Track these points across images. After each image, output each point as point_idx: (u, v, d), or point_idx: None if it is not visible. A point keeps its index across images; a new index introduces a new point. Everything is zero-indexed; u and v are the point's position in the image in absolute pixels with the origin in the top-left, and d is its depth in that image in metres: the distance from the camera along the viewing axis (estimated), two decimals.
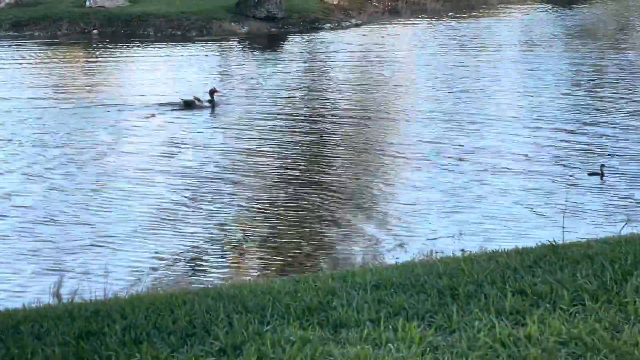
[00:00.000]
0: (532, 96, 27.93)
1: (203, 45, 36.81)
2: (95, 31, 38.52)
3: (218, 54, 36.31)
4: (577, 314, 6.30)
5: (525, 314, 6.37)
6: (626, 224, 14.52)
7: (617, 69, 32.24)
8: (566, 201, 17.07)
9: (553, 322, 6.12)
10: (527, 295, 6.73)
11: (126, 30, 38.31)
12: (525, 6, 46.17)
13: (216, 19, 38.85)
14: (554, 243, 8.50)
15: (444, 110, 26.71)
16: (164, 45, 37.02)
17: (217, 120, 25.69)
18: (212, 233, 16.34)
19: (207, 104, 26.52)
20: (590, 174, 19.03)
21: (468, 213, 16.97)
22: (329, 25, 40.43)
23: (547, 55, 34.32)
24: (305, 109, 27.05)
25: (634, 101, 27.17)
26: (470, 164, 20.62)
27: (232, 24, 38.81)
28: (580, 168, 19.83)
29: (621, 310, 6.31)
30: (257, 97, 27.99)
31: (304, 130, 24.47)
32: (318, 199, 18.20)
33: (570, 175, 19.32)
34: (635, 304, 6.34)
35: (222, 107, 26.43)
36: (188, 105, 26.39)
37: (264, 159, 21.52)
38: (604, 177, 18.82)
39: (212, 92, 26.58)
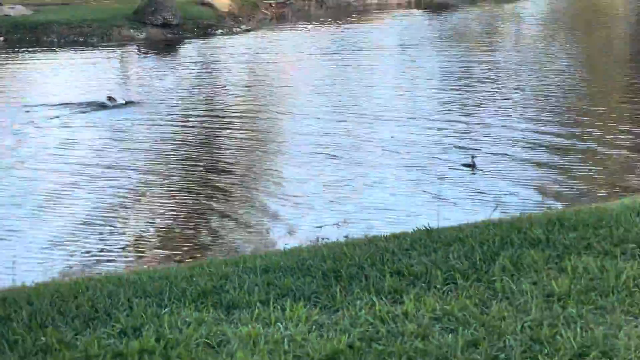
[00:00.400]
0: (407, 94, 28.37)
1: (101, 51, 36.77)
2: (1, 38, 38.16)
3: (118, 58, 36.39)
4: (449, 292, 6.62)
5: (403, 292, 6.66)
6: (495, 209, 15.10)
7: (484, 68, 32.83)
8: (439, 190, 17.64)
9: (428, 299, 6.45)
10: (404, 275, 7.03)
11: (31, 37, 38.07)
12: (400, 12, 46.70)
13: (116, 26, 39.24)
14: (428, 228, 8.83)
15: (326, 109, 26.91)
16: (68, 51, 36.89)
17: (123, 120, 25.70)
18: (114, 225, 16.48)
19: (122, 103, 26.54)
20: (463, 165, 19.52)
21: (350, 204, 17.30)
22: (220, 31, 41.10)
23: (421, 56, 34.84)
24: (200, 109, 27.13)
25: (502, 98, 27.87)
26: (347, 158, 20.97)
27: (131, 30, 39.31)
28: (453, 160, 20.29)
29: (489, 287, 6.67)
30: (158, 97, 27.98)
31: (198, 128, 24.53)
32: (212, 194, 18.42)
33: (444, 167, 19.79)
34: (502, 281, 6.70)
35: (129, 108, 26.57)
36: (104, 105, 26.37)
37: (163, 157, 21.68)
38: (474, 168, 19.32)
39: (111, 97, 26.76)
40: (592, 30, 42.34)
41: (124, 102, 26.59)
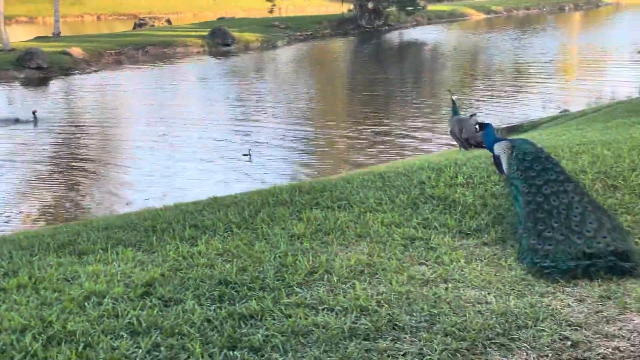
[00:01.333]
0: (207, 110, 28.49)
1: None
2: None
3: (8, 91, 35.37)
4: (228, 237, 6.66)
5: (197, 239, 6.67)
6: (263, 183, 15.26)
7: (254, 92, 33.18)
8: (226, 172, 17.72)
9: (214, 242, 6.47)
10: (199, 227, 7.03)
11: None
12: (198, 57, 46.58)
13: (4, 69, 38.65)
14: (215, 196, 8.95)
15: (153, 119, 26.93)
16: None
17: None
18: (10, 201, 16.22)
19: (31, 119, 26.17)
20: (244, 155, 19.70)
21: (167, 184, 17.29)
22: (77, 71, 40.63)
23: (214, 86, 34.88)
24: (71, 122, 26.99)
25: (269, 111, 28.14)
26: (168, 154, 20.90)
27: (14, 72, 38.57)
28: (236, 152, 20.48)
29: (254, 232, 6.72)
30: (44, 115, 27.31)
31: (72, 135, 24.37)
32: (78, 180, 18.17)
33: (231, 157, 19.95)
34: (262, 228, 6.79)
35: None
36: (17, 120, 26.14)
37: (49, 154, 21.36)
38: (250, 157, 19.55)
39: (33, 112, 26.50)
40: (324, 65, 43.09)
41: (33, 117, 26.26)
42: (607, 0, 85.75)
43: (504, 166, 6.77)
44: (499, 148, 6.92)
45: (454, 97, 12.41)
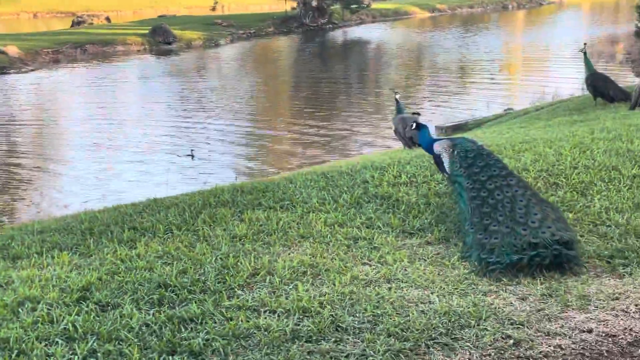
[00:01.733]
0: (149, 110, 28.18)
1: None
2: None
3: None
4: (168, 239, 6.62)
5: (136, 241, 6.59)
6: (204, 183, 15.19)
7: (195, 91, 32.98)
8: (169, 172, 17.57)
9: (153, 244, 6.41)
10: (138, 229, 6.96)
11: None
12: (139, 56, 46.12)
13: None
14: (155, 198, 8.86)
15: (90, 117, 26.59)
16: None
17: None
18: None
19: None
20: (188, 155, 19.58)
21: (106, 186, 17.06)
22: (13, 70, 39.93)
23: (159, 86, 34.56)
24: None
25: (212, 110, 27.99)
26: (108, 155, 20.64)
27: None
28: (178, 152, 20.31)
29: (195, 234, 6.68)
30: None
31: (3, 141, 23.91)
32: (14, 177, 17.93)
33: (174, 156, 19.80)
34: (203, 230, 6.75)
35: None
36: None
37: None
38: (194, 157, 19.44)
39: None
40: (267, 64, 43.01)
41: None
42: None
43: (446, 165, 6.85)
44: (439, 147, 7.00)
45: (398, 96, 12.50)
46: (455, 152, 6.76)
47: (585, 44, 15.88)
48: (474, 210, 6.11)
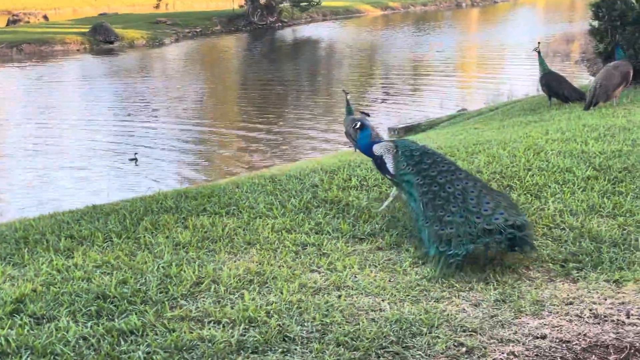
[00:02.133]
0: (90, 111, 27.89)
1: None
2: None
3: None
4: (108, 247, 6.56)
5: (74, 250, 6.51)
6: (148, 188, 15.05)
7: (139, 92, 32.75)
8: (110, 177, 17.39)
9: (92, 253, 6.33)
10: (75, 238, 6.86)
11: None
12: (78, 56, 45.56)
13: None
14: (95, 204, 8.74)
15: (29, 118, 26.27)
16: None
17: None
18: None
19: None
20: (130, 160, 19.39)
21: (43, 193, 16.80)
22: None
23: (99, 87, 34.17)
24: None
25: (157, 112, 27.80)
26: (48, 161, 20.37)
27: None
28: (121, 156, 20.14)
29: (136, 242, 6.63)
30: None
31: None
32: None
33: (115, 160, 19.60)
34: (145, 237, 6.68)
35: None
36: None
37: None
38: (137, 162, 19.27)
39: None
40: (214, 64, 42.85)
41: None
42: None
43: (390, 166, 6.93)
44: (380, 149, 7.08)
45: (349, 97, 12.53)
46: (400, 152, 6.90)
47: (539, 43, 16.11)
48: (427, 205, 6.27)
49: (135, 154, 19.70)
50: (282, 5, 61.52)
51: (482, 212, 6.03)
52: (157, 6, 61.30)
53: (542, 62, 15.63)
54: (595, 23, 17.53)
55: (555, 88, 15.43)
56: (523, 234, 5.90)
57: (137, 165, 19.01)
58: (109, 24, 50.93)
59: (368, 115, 8.70)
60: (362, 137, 7.44)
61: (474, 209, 6.08)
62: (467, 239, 5.86)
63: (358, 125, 7.57)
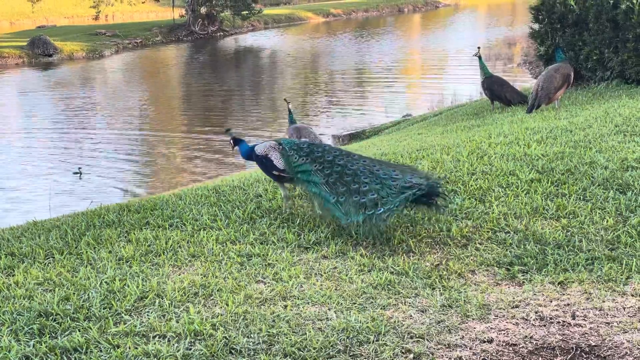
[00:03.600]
0: (28, 127, 27.53)
1: None
2: None
3: None
4: (49, 264, 6.44)
5: (15, 268, 6.41)
6: (91, 202, 14.89)
7: (80, 104, 32.44)
8: (55, 191, 17.14)
9: (33, 271, 6.21)
10: (16, 255, 6.75)
11: None
12: (17, 69, 44.88)
13: None
14: (35, 220, 8.64)
15: None
16: None
17: None
18: None
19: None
20: (74, 173, 19.23)
21: None
22: None
23: (38, 101, 33.74)
24: None
25: (103, 122, 27.52)
26: None
27: None
28: (62, 171, 19.91)
29: (78, 258, 6.54)
30: None
31: None
32: None
33: (60, 175, 19.38)
34: (87, 253, 6.57)
35: None
36: None
37: None
38: (81, 175, 19.13)
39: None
40: (155, 75, 42.59)
41: None
42: (446, 1, 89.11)
43: (278, 162, 7.25)
44: (264, 149, 7.42)
45: (290, 106, 12.57)
46: (287, 148, 7.24)
47: (478, 48, 16.31)
48: (334, 184, 6.72)
49: (79, 167, 19.52)
50: (223, 14, 61.32)
51: (393, 177, 6.62)
52: (97, 17, 60.64)
53: (483, 67, 15.80)
54: (536, 26, 17.79)
55: (497, 92, 15.62)
56: (438, 187, 6.62)
57: (81, 179, 18.83)
58: (47, 36, 50.30)
59: (230, 129, 8.71)
60: (242, 147, 7.79)
61: (385, 176, 6.64)
62: (393, 196, 6.41)
63: (233, 142, 7.95)
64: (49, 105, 32.34)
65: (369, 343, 4.83)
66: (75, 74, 43.33)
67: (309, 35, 60.37)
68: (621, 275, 5.72)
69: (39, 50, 48.09)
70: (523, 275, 5.83)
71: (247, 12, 60.27)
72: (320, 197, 6.80)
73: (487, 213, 7.10)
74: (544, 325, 5.07)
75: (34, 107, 31.81)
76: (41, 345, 4.91)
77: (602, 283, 5.63)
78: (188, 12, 59.62)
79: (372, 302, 5.45)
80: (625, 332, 4.94)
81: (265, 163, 7.40)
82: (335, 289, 5.69)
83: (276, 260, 6.28)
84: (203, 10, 59.61)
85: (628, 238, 6.32)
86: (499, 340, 4.88)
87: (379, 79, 35.23)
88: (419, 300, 5.48)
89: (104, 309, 5.45)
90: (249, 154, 7.64)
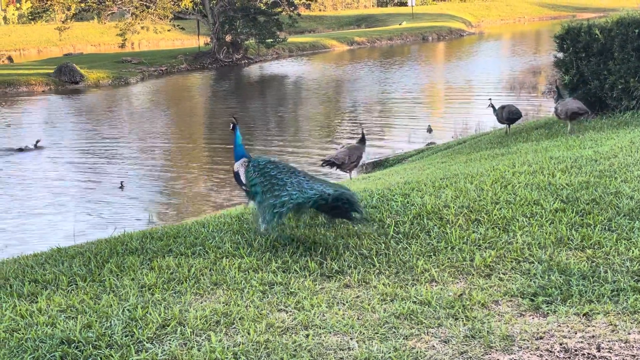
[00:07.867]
0: (56, 153, 27.78)
1: None
2: None
3: None
4: (72, 291, 6.50)
5: (38, 294, 6.45)
6: (115, 229, 14.94)
7: (114, 134, 32.68)
8: (95, 209, 17.20)
9: (56, 298, 6.26)
10: (39, 282, 6.80)
11: None
12: (43, 97, 45.19)
13: None
14: (59, 247, 8.69)
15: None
16: None
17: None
18: None
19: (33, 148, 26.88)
20: (118, 188, 19.76)
21: (7, 238, 16.62)
22: None
23: (64, 128, 34.04)
24: None
25: (134, 147, 27.68)
26: (14, 204, 20.16)
27: None
28: (89, 199, 20.03)
29: (101, 285, 6.56)
30: None
31: None
32: None
33: (81, 202, 19.48)
34: (110, 280, 6.62)
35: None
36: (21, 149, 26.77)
37: None
38: (123, 189, 19.57)
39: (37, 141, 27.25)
40: (180, 102, 42.81)
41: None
42: (470, 29, 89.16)
43: (242, 177, 8.09)
44: (238, 166, 8.28)
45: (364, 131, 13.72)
46: (250, 165, 8.03)
47: (490, 99, 17.16)
48: (266, 192, 7.48)
49: (122, 182, 20.31)
50: (248, 42, 61.64)
51: (315, 189, 7.25)
52: (123, 45, 61.01)
53: (495, 111, 16.70)
54: (560, 55, 17.77)
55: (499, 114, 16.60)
56: (352, 200, 7.25)
57: (122, 190, 19.49)
58: (74, 64, 50.75)
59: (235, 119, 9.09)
60: (236, 139, 8.62)
61: (307, 187, 7.33)
62: (301, 199, 7.09)
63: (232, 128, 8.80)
64: (74, 132, 32.61)
65: None
66: (101, 102, 43.68)
67: (333, 63, 60.55)
68: None
69: (65, 77, 48.52)
70: (547, 306, 5.77)
71: (271, 40, 60.46)
72: (262, 207, 7.48)
73: (511, 243, 7.06)
74: (569, 358, 5.01)
75: (58, 133, 32.03)
76: None
77: (628, 315, 5.55)
78: (213, 40, 59.95)
79: (394, 332, 5.41)
80: None
81: (236, 178, 8.32)
82: (358, 318, 5.67)
83: (298, 289, 6.26)
84: (228, 38, 59.93)
85: None
86: None
87: (404, 106, 35.22)
88: (442, 330, 5.44)
89: (125, 336, 5.46)
90: (239, 156, 8.42)
